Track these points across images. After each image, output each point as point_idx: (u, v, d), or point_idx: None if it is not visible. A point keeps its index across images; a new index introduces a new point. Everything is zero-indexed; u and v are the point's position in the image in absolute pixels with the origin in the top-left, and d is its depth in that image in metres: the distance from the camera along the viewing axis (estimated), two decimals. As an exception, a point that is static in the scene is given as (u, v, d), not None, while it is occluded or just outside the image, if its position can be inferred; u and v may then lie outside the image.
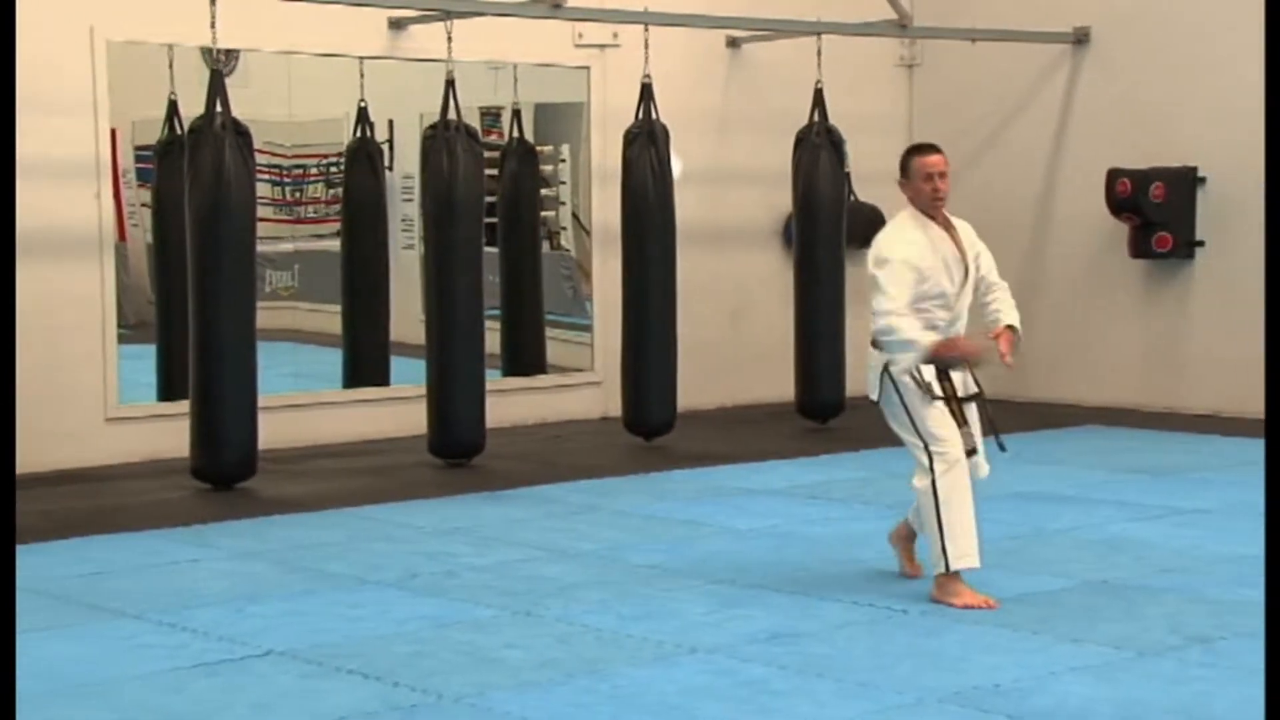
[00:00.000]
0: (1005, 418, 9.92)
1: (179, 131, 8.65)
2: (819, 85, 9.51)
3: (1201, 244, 9.99)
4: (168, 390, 8.88)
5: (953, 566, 5.25)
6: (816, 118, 9.53)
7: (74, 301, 8.36)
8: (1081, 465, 8.23)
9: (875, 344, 5.38)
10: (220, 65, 7.73)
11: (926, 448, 5.34)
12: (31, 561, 6.12)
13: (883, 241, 5.51)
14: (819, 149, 9.48)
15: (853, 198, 10.48)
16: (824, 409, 9.61)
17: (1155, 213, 9.90)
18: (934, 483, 5.29)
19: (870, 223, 11.01)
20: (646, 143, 8.86)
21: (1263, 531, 6.38)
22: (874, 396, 5.47)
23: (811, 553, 6.19)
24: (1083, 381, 10.58)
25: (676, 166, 9.13)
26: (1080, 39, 10.46)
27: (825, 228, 9.53)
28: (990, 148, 11.04)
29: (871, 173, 10.94)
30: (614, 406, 9.50)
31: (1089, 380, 10.52)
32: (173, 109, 8.94)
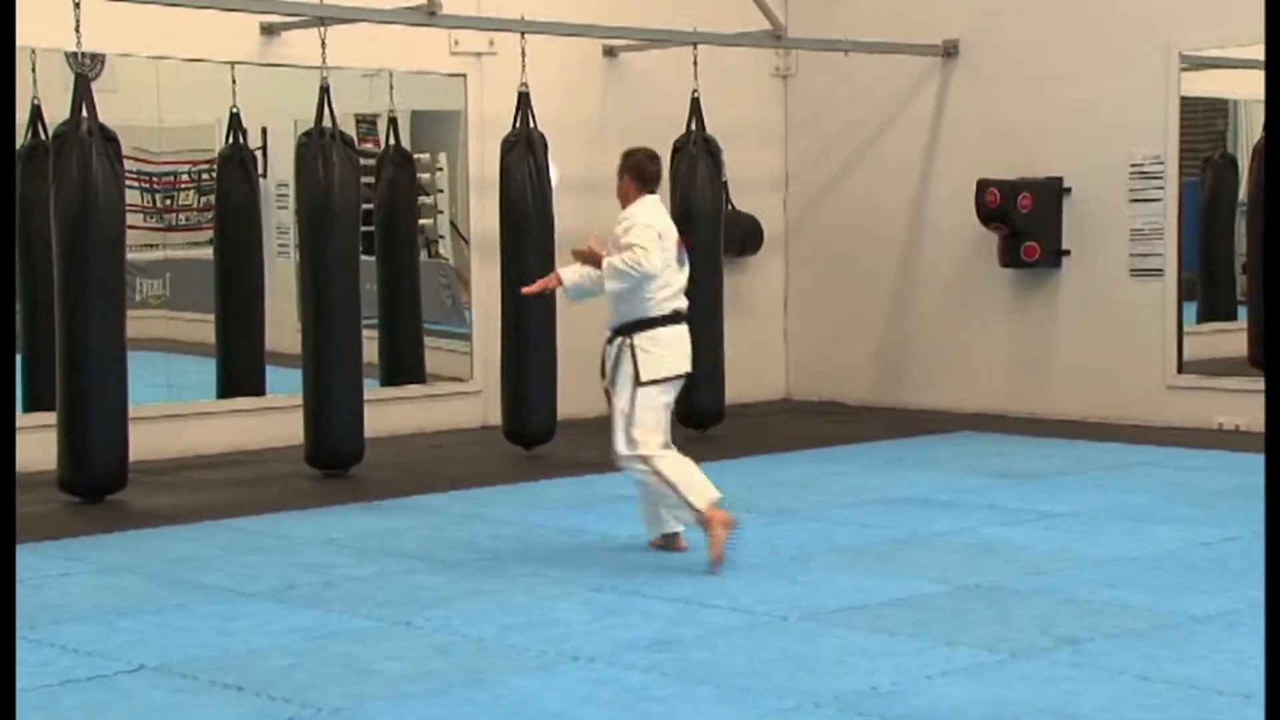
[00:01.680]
0: (879, 424, 10.18)
1: (43, 137, 8.43)
2: (695, 94, 9.57)
3: (1068, 253, 10.24)
4: (34, 400, 8.64)
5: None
6: (694, 127, 9.58)
7: (-66, 311, 8.09)
8: (954, 470, 8.37)
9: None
10: (85, 69, 7.55)
11: None
12: (-111, 579, 5.90)
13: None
14: (696, 158, 9.53)
15: (730, 206, 10.55)
16: (703, 417, 9.65)
17: (1023, 222, 10.12)
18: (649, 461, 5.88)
19: (747, 231, 11.15)
20: (524, 151, 8.84)
21: (1129, 535, 6.57)
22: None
23: (690, 560, 6.20)
24: (954, 388, 10.77)
25: (554, 175, 9.11)
26: (949, 51, 10.66)
27: (703, 236, 9.57)
28: (863, 157, 11.20)
29: (748, 181, 11.05)
30: (494, 415, 9.45)
31: (961, 387, 10.72)
32: (36, 114, 8.71)
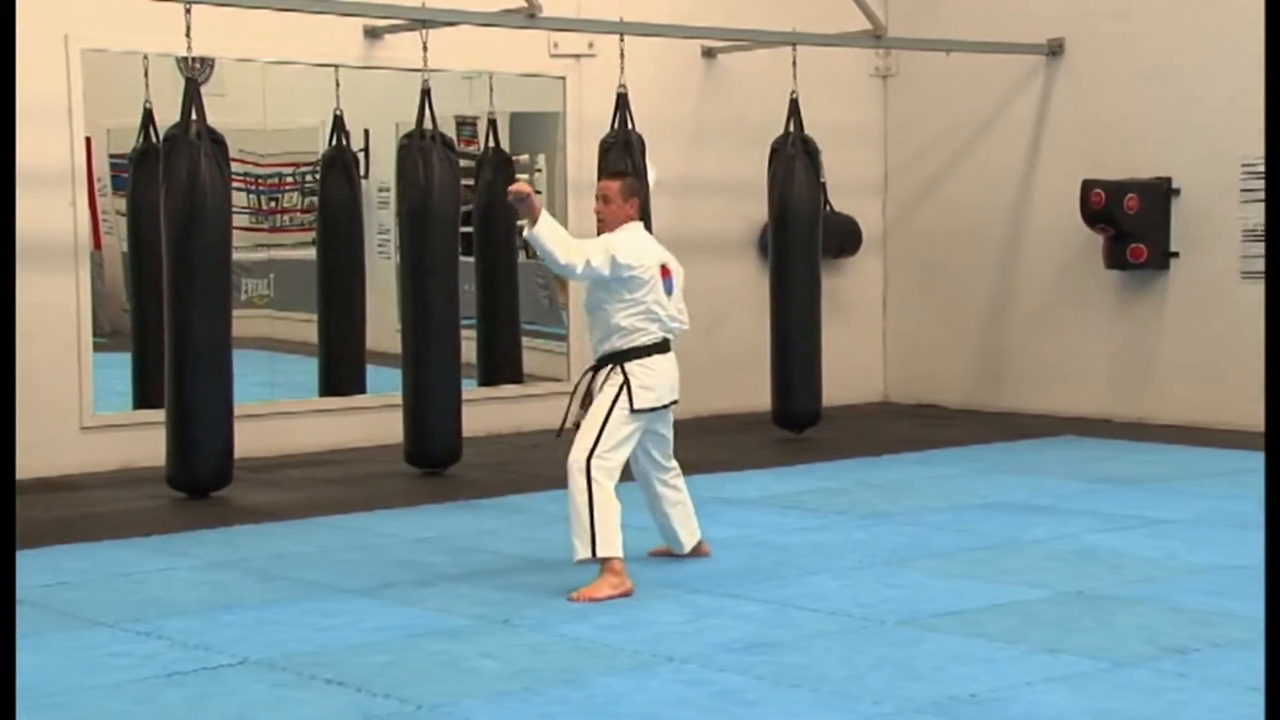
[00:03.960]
0: (979, 428, 10.06)
1: (154, 140, 8.61)
2: (794, 95, 9.52)
3: (1176, 255, 10.04)
4: (143, 399, 8.84)
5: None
6: (792, 128, 9.54)
7: (49, 310, 8.31)
8: (1055, 475, 8.25)
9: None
10: (195, 74, 7.70)
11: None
12: (3, 571, 6.07)
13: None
14: (794, 159, 9.48)
15: (828, 208, 10.50)
16: (800, 418, 9.61)
17: (1129, 224, 9.94)
18: (590, 483, 5.64)
19: (846, 233, 11.08)
20: (622, 152, 8.86)
21: (1235, 543, 6.42)
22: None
23: (786, 562, 6.18)
24: (1056, 391, 10.61)
25: (651, 176, 9.11)
26: (1054, 50, 10.50)
27: (801, 237, 9.54)
28: (963, 158, 11.08)
29: (847, 183, 10.98)
30: (590, 416, 9.46)
31: (1062, 390, 10.56)
32: (148, 117, 8.90)
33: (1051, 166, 10.57)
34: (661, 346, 5.83)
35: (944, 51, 10.47)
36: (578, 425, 5.77)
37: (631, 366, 5.74)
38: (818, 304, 9.61)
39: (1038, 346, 10.72)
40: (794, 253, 9.57)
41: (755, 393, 10.01)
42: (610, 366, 5.78)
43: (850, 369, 10.95)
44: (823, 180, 9.91)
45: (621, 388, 5.71)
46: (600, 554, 5.57)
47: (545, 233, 5.71)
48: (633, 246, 5.84)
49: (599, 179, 6.09)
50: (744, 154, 10.18)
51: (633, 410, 5.69)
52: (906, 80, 11.26)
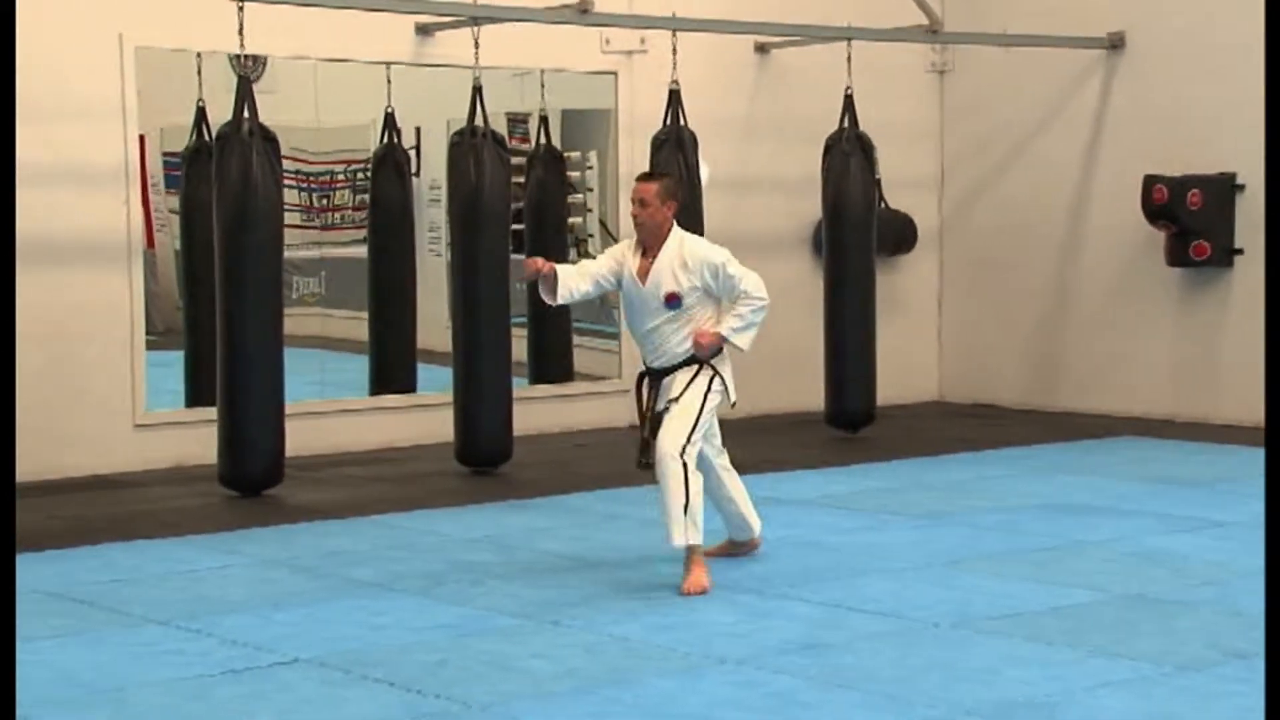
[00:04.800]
0: (1035, 428, 9.98)
1: (207, 138, 8.70)
2: (849, 91, 9.49)
3: (1240, 252, 9.92)
4: (195, 397, 8.93)
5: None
6: (846, 123, 9.51)
7: (102, 308, 8.41)
8: (1114, 476, 8.18)
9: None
10: (248, 71, 7.77)
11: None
12: (56, 568, 6.16)
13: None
14: (849, 155, 9.45)
15: (883, 205, 10.45)
16: (854, 418, 9.58)
17: (1192, 220, 9.84)
18: (687, 471, 5.73)
19: (900, 230, 11.03)
20: (674, 149, 8.86)
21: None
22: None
23: (839, 563, 6.16)
24: (1115, 391, 10.52)
25: (704, 173, 9.12)
26: (1115, 44, 10.41)
27: (855, 235, 9.51)
28: (1021, 154, 11.00)
29: (902, 179, 10.93)
30: (641, 415, 9.47)
31: (1121, 390, 10.46)
32: (201, 115, 8.99)
33: (1112, 162, 10.48)
34: None
35: (1001, 46, 10.40)
36: (652, 431, 5.81)
37: (718, 363, 5.85)
38: (872, 302, 9.58)
39: (1096, 345, 10.63)
40: (848, 250, 9.54)
41: (808, 392, 9.98)
42: (698, 365, 5.81)
43: (905, 368, 10.90)
44: (877, 176, 9.87)
45: (713, 379, 5.80)
46: (693, 541, 5.65)
47: (740, 332, 5.82)
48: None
49: (637, 181, 6.01)
50: (797, 150, 10.16)
51: (733, 403, 5.85)
52: (962, 75, 11.19)
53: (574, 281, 5.94)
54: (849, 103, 9.49)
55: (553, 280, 5.91)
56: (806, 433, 9.77)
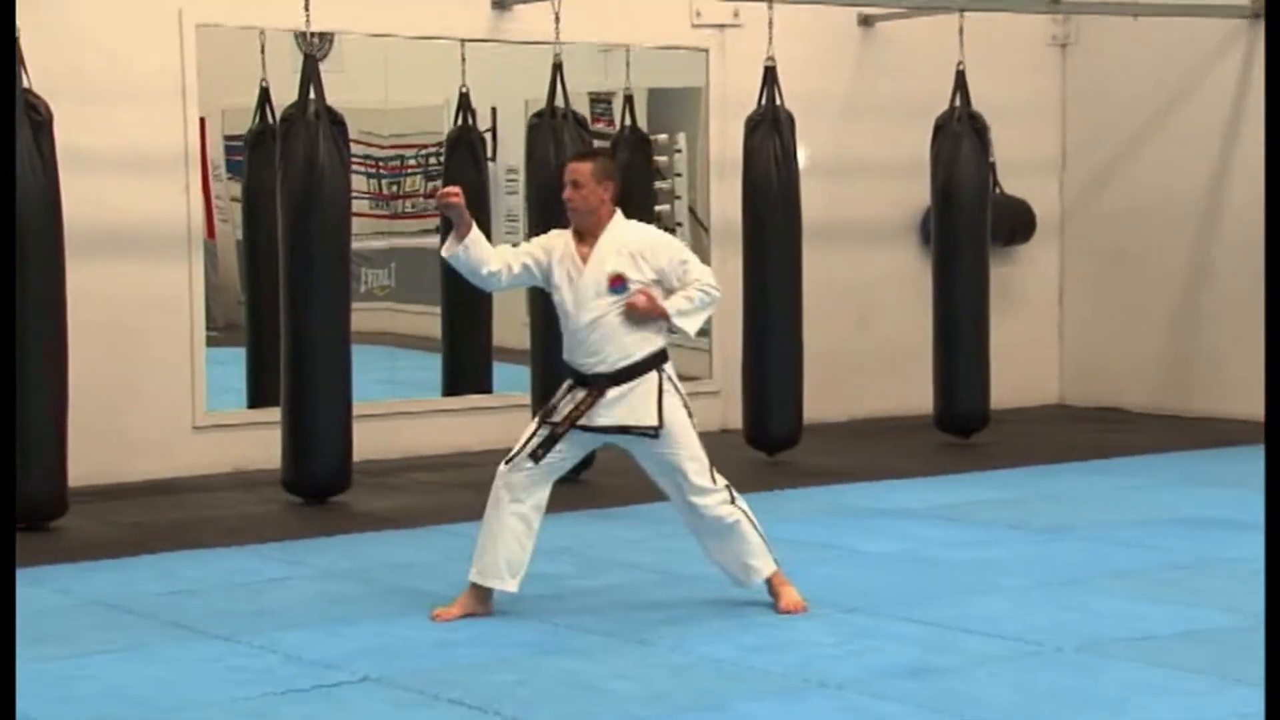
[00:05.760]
0: (1167, 434, 9.84)
1: (270, 120, 8.80)
2: (961, 67, 9.41)
3: (1397, 239, 9.71)
4: (257, 397, 9.04)
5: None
6: (958, 102, 9.44)
7: (160, 302, 8.54)
8: (1256, 488, 8.00)
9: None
10: (314, 49, 7.86)
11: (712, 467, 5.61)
12: (114, 577, 6.27)
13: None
14: (960, 137, 9.39)
15: (998, 190, 10.37)
16: (965, 422, 9.51)
17: (1342, 205, 9.64)
18: (735, 499, 5.60)
19: (1017, 217, 10.93)
20: (770, 131, 8.84)
21: None
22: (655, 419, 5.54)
23: (950, 580, 6.12)
24: (1258, 394, 10.32)
25: (802, 156, 9.09)
26: (1259, 13, 10.23)
27: (967, 223, 9.44)
28: (1152, 133, 10.85)
29: (1019, 162, 10.83)
30: (733, 418, 9.48)
31: (1264, 391, 10.27)
32: (264, 96, 9.10)
33: (1254, 143, 10.29)
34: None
35: (1131, 16, 10.26)
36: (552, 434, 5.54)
37: (669, 369, 5.59)
38: (986, 296, 9.50)
39: (1236, 342, 10.44)
40: (959, 240, 9.48)
41: (915, 394, 9.92)
42: (650, 375, 5.51)
43: (1022, 367, 10.80)
44: (991, 159, 9.79)
45: (680, 398, 5.58)
46: (774, 561, 5.61)
47: (684, 314, 5.53)
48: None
49: (569, 160, 5.80)
50: (904, 131, 10.09)
51: (691, 415, 5.60)
52: (1087, 48, 11.06)
53: (509, 254, 5.56)
54: (961, 79, 9.42)
55: (468, 230, 5.46)
56: (914, 438, 9.71)
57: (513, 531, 5.59)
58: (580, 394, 5.53)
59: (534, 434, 5.64)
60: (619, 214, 5.65)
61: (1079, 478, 8.45)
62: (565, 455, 5.64)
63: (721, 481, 5.62)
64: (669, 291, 5.54)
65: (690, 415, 5.61)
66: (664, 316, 5.51)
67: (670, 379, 5.57)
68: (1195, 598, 5.80)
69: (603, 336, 5.49)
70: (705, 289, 5.57)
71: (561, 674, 4.94)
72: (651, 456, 5.61)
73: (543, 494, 5.64)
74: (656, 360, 5.54)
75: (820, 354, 9.62)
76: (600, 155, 5.97)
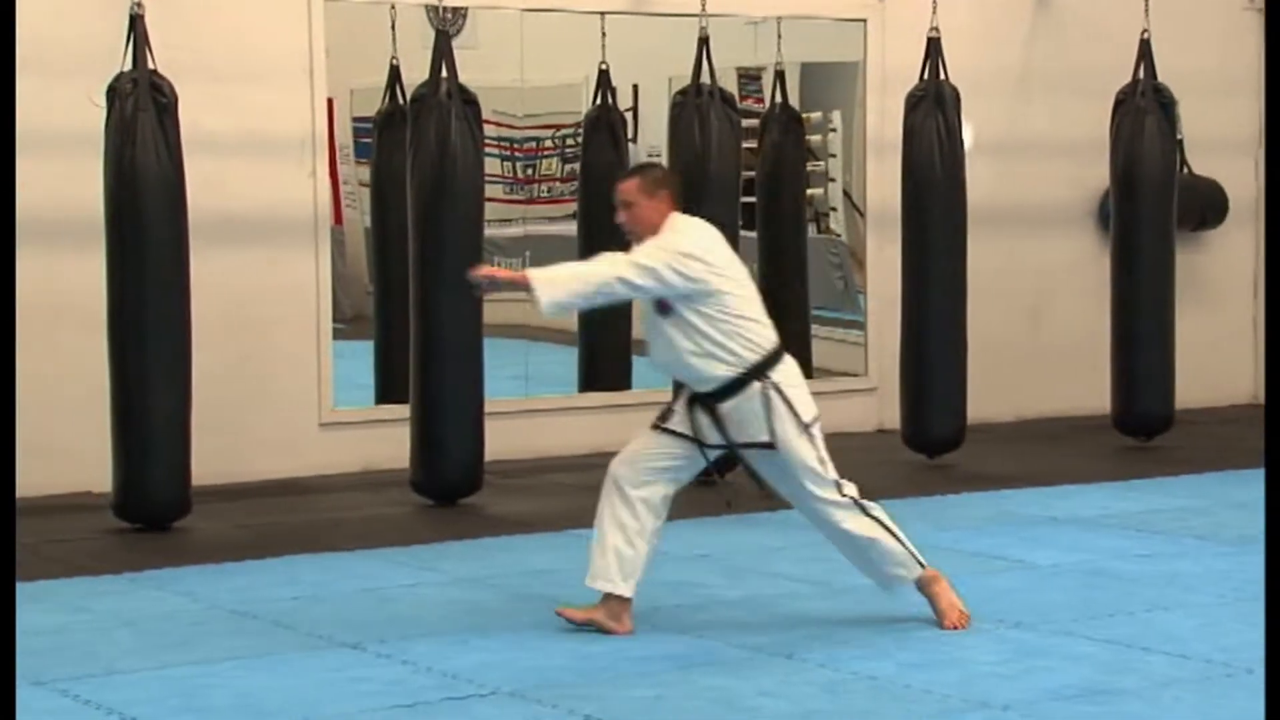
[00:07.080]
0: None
1: (401, 101, 8.94)
2: (1146, 35, 9.27)
3: None
4: (385, 392, 9.18)
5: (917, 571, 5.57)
6: (1141, 74, 9.30)
7: (285, 293, 8.70)
8: None
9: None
10: (446, 25, 7.97)
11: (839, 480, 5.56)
12: (238, 581, 6.43)
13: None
14: (1144, 113, 9.25)
15: (1185, 170, 10.19)
16: (1146, 423, 9.38)
17: None
18: (866, 510, 5.54)
19: (1207, 200, 10.72)
20: (932, 108, 8.78)
21: None
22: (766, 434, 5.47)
23: (1130, 594, 6.04)
24: None
25: (968, 136, 9.02)
26: None
27: (1151, 207, 9.30)
28: (1359, 108, 10.56)
29: (1209, 140, 10.62)
30: (891, 417, 9.43)
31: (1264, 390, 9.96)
32: (394, 75, 9.24)
33: None
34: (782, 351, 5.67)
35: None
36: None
37: (776, 375, 5.50)
38: (1171, 286, 9.36)
39: None
40: (1142, 224, 9.33)
41: (1092, 392, 9.79)
42: (755, 385, 5.46)
43: (1212, 364, 10.61)
44: (1179, 137, 9.65)
45: (789, 408, 5.46)
46: (925, 565, 5.59)
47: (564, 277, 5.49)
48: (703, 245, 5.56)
49: (617, 183, 5.75)
50: (1081, 107, 9.97)
51: (807, 425, 5.50)
52: (1285, 13, 10.80)
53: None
54: (1145, 48, 9.27)
55: (528, 277, 5.42)
56: (1091, 440, 9.59)
57: (618, 524, 5.57)
58: (694, 411, 5.54)
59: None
60: (672, 219, 5.59)
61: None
62: (680, 461, 5.63)
63: (849, 491, 5.55)
64: (704, 295, 5.42)
65: (805, 425, 5.46)
66: (524, 284, 5.38)
67: (776, 387, 5.45)
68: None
69: (677, 360, 5.50)
70: (618, 267, 5.45)
71: (703, 690, 4.96)
72: (769, 468, 5.61)
73: (654, 491, 5.60)
74: (754, 373, 5.46)
75: (986, 348, 9.53)
76: (645, 168, 5.94)
